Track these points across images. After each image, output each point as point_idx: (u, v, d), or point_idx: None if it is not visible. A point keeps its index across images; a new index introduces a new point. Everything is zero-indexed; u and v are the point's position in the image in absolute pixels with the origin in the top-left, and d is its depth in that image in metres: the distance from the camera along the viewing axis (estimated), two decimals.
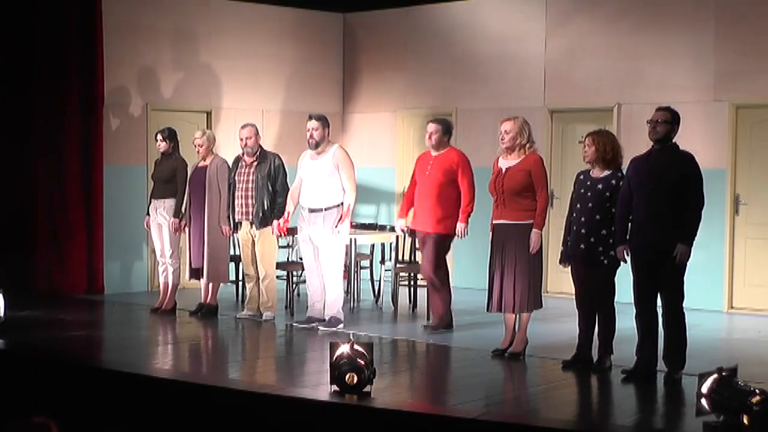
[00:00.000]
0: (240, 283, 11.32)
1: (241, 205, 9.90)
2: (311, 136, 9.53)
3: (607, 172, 7.73)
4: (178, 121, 12.18)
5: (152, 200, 10.49)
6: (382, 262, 11.51)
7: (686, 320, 7.41)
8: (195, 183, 10.18)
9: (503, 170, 8.21)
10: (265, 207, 9.77)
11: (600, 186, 7.70)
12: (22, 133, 11.67)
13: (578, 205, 7.81)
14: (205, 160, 10.21)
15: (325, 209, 9.44)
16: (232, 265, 10.85)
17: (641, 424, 6.29)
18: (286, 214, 9.72)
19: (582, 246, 7.72)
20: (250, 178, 9.86)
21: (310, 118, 9.62)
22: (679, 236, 7.27)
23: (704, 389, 5.81)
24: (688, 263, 7.34)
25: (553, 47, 12.27)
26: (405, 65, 13.61)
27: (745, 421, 5.56)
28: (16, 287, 10.73)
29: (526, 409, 6.84)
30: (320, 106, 13.44)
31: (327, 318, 9.50)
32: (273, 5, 13.31)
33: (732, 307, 11.07)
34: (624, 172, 7.69)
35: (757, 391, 5.65)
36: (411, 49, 13.55)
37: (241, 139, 9.91)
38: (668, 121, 7.39)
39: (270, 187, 9.80)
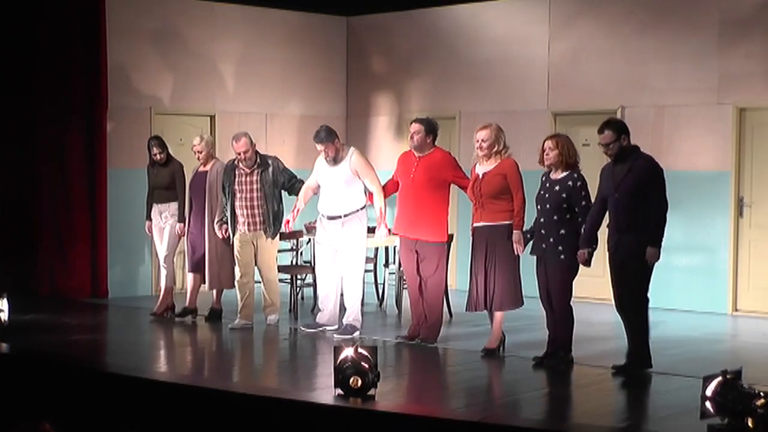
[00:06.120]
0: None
1: (246, 215, 9.66)
2: (327, 155, 9.35)
3: (564, 174, 7.98)
4: (182, 124, 12.20)
5: (154, 205, 10.45)
6: (386, 265, 11.49)
7: (650, 320, 7.71)
8: (195, 188, 10.13)
9: (480, 176, 8.48)
10: (277, 215, 9.65)
11: (557, 187, 7.96)
12: (25, 137, 11.69)
13: (539, 207, 8.09)
14: (205, 165, 10.15)
15: (345, 216, 9.33)
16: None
17: (645, 427, 6.28)
18: (295, 210, 9.63)
19: (543, 245, 8.00)
20: (254, 186, 9.64)
21: (317, 141, 9.35)
22: (646, 239, 7.50)
23: (709, 392, 5.81)
24: (655, 264, 7.59)
25: (557, 50, 12.27)
26: (408, 68, 13.60)
27: (750, 424, 5.56)
28: (20, 291, 10.75)
29: (529, 412, 6.83)
30: (324, 110, 13.47)
31: (344, 324, 9.38)
32: (276, 9, 13.32)
33: (736, 310, 11.05)
34: (580, 172, 7.96)
35: (761, 394, 5.64)
36: (414, 52, 13.54)
37: (239, 153, 9.58)
38: (612, 141, 7.64)
39: (278, 194, 9.74)
